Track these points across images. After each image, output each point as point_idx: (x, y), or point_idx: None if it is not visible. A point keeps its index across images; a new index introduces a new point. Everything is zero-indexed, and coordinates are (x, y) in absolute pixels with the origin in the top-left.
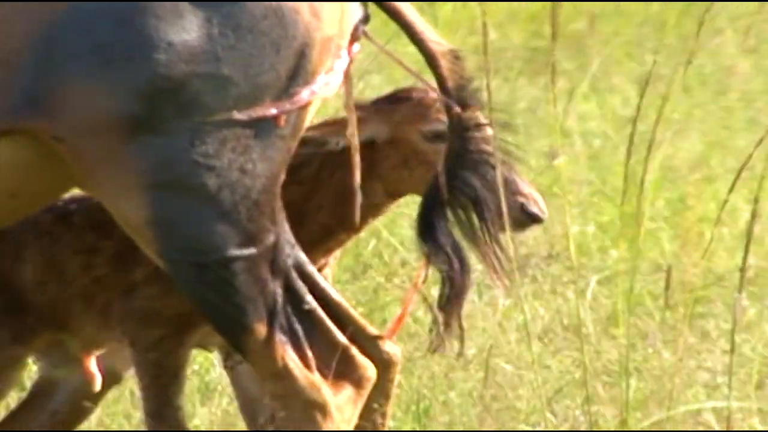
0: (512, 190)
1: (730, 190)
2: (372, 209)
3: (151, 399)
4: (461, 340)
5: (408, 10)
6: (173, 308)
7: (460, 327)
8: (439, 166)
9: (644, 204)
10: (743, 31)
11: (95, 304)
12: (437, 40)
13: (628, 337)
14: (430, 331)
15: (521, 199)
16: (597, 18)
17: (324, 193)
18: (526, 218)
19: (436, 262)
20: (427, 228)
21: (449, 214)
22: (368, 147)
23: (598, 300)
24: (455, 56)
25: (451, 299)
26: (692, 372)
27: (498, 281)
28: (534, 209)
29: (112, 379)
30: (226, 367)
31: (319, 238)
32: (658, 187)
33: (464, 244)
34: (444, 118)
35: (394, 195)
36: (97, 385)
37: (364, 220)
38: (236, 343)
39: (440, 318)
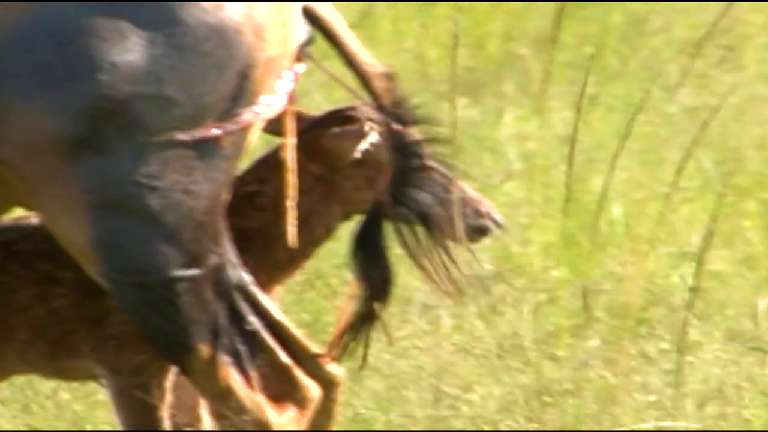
0: (473, 198)
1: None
2: (329, 231)
3: (137, 423)
4: (365, 364)
5: (342, 31)
6: None
7: (366, 348)
8: (382, 185)
9: (582, 223)
10: (684, 53)
11: (47, 333)
12: (370, 62)
13: (571, 358)
14: (331, 343)
15: (487, 208)
16: (539, 42)
17: (284, 219)
18: (494, 226)
19: (361, 281)
20: (361, 247)
21: (393, 232)
22: (327, 169)
23: (540, 320)
24: (388, 77)
25: (359, 322)
26: (634, 392)
27: (444, 296)
28: (498, 217)
29: None
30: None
31: (284, 264)
32: (599, 206)
33: (393, 267)
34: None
35: (350, 216)
36: None
37: (320, 242)
38: (179, 364)
39: (349, 336)
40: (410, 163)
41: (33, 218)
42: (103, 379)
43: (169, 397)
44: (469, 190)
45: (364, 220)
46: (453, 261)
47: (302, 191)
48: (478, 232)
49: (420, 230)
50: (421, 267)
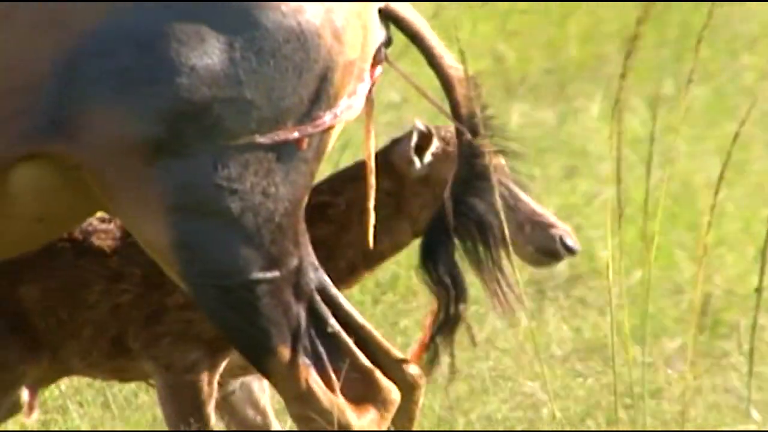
0: (546, 222)
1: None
2: (396, 248)
3: (185, 418)
4: (452, 368)
5: (428, 34)
6: (209, 332)
7: (452, 354)
8: (446, 193)
9: (661, 225)
10: (761, 55)
11: (109, 331)
12: (455, 66)
13: (643, 358)
14: (425, 356)
15: (559, 232)
16: (617, 40)
17: (353, 233)
18: (564, 251)
19: (433, 290)
20: (429, 256)
21: (455, 241)
22: (397, 185)
23: (621, 321)
24: (472, 83)
25: (443, 327)
26: (713, 393)
27: (500, 308)
28: (570, 242)
29: None
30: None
31: (344, 276)
32: (676, 207)
33: (467, 272)
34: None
35: (420, 234)
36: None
37: (385, 257)
38: (260, 366)
39: (433, 345)
40: (476, 173)
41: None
42: (154, 375)
43: (216, 395)
44: (544, 211)
45: (428, 229)
46: (504, 275)
47: (375, 206)
48: (547, 255)
49: (478, 241)
50: (480, 277)
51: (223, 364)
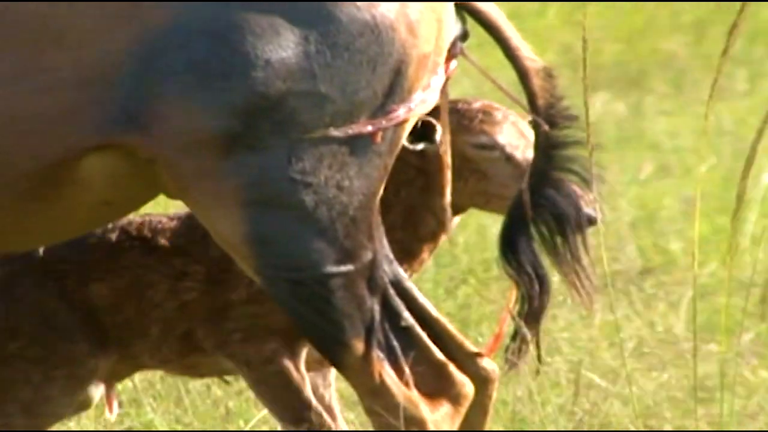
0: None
1: None
2: (440, 225)
3: (287, 407)
4: (538, 358)
5: (505, 25)
6: (279, 323)
7: (537, 346)
8: (523, 184)
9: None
10: None
11: (177, 329)
12: (531, 57)
13: (722, 352)
14: (506, 349)
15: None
16: (691, 31)
17: (394, 212)
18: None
19: (516, 281)
20: (509, 246)
21: (533, 232)
22: (423, 161)
23: (693, 315)
24: (548, 74)
25: (529, 318)
26: None
27: (579, 299)
28: (590, 211)
29: None
30: None
31: (399, 256)
32: (752, 202)
33: (546, 262)
34: (488, 129)
35: (454, 209)
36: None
37: (437, 236)
38: (334, 360)
39: (519, 335)
40: (553, 165)
41: (164, 216)
42: (239, 374)
43: (307, 384)
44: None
45: (506, 221)
46: (582, 266)
47: (405, 183)
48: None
49: (555, 233)
50: (558, 268)
51: (305, 351)
